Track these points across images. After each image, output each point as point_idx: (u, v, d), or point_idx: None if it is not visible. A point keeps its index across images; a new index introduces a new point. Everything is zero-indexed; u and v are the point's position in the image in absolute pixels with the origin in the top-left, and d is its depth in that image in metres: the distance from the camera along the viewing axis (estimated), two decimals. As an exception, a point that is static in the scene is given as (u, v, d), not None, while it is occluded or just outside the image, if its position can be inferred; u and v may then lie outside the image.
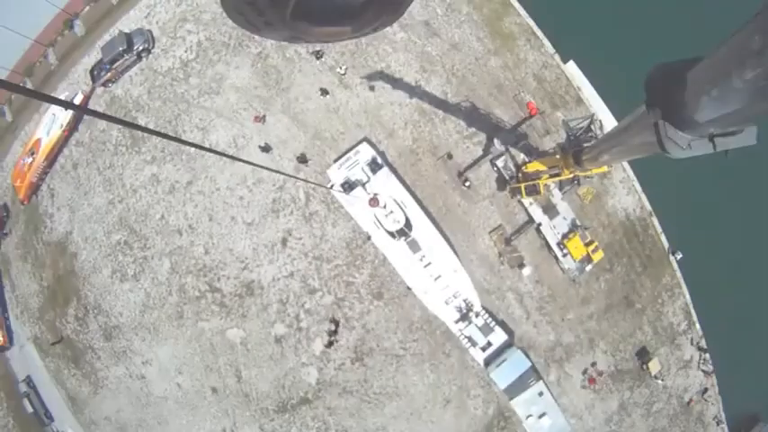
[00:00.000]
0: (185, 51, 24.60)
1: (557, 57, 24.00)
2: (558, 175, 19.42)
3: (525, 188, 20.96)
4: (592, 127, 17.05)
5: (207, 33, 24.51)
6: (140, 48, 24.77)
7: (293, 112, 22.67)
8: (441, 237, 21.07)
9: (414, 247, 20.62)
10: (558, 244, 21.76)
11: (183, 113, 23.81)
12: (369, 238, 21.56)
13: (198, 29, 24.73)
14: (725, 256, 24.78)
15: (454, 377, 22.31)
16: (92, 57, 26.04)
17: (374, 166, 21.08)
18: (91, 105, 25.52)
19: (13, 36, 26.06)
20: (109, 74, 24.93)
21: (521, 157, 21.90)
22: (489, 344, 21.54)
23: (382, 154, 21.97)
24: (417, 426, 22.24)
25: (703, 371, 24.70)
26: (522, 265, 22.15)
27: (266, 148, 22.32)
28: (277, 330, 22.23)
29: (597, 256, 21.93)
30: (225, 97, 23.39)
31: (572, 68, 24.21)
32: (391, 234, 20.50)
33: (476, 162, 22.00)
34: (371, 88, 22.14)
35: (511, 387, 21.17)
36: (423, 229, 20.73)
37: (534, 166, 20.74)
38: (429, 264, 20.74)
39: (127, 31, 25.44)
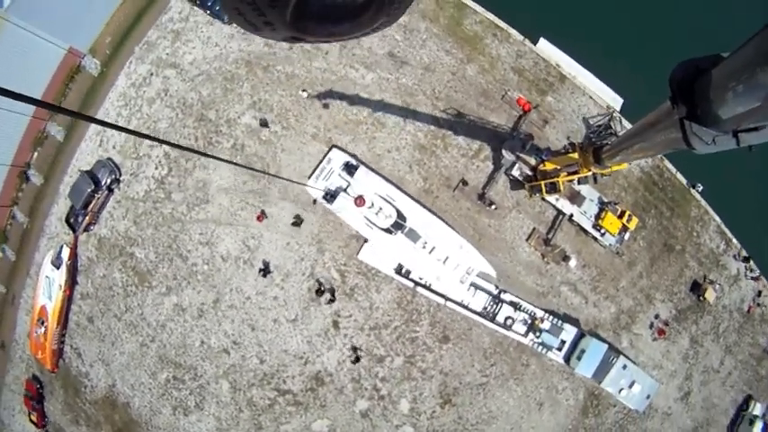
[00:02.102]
0: (156, 169, 22.91)
1: (527, 42, 23.24)
2: (575, 172, 19.22)
3: (545, 186, 20.75)
4: (611, 124, 16.68)
5: (168, 149, 22.77)
6: (108, 181, 22.99)
7: (293, 196, 21.57)
8: (436, 218, 20.73)
9: (413, 236, 20.22)
10: (594, 226, 21.85)
11: (181, 233, 22.41)
12: (366, 241, 20.91)
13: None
14: (740, 168, 25.41)
15: (539, 382, 22.77)
16: (61, 204, 24.17)
17: (350, 169, 20.52)
18: (80, 253, 23.87)
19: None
20: (87, 218, 23.17)
21: (532, 158, 21.49)
22: (563, 342, 21.96)
23: (354, 156, 21.19)
24: (521, 436, 22.84)
25: (752, 278, 25.93)
26: (566, 258, 22.26)
27: (266, 267, 21.52)
28: (360, 407, 22.07)
29: (633, 224, 22.16)
30: (217, 203, 22.04)
31: (544, 47, 23.55)
32: (387, 230, 20.04)
33: (491, 178, 21.55)
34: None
35: (597, 373, 21.80)
36: (416, 216, 20.31)
37: (552, 164, 20.42)
38: (433, 248, 20.34)
39: (87, 167, 23.52)
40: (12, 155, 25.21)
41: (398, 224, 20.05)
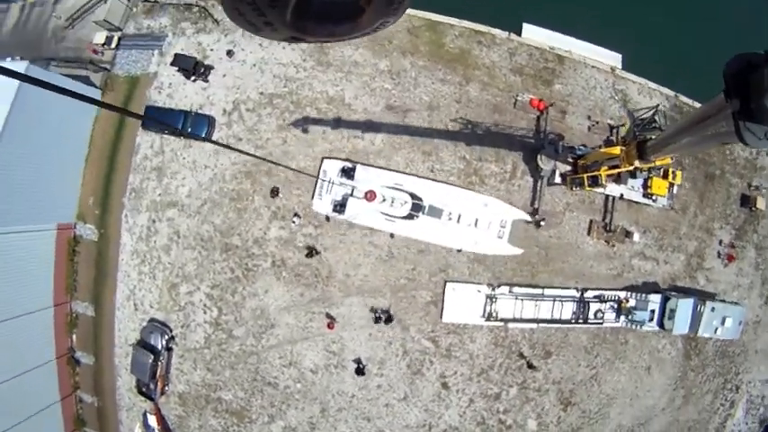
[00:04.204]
0: (204, 313, 21.95)
1: (513, 36, 21.87)
2: (617, 166, 18.74)
3: (588, 180, 20.31)
4: (656, 117, 16.03)
5: (208, 283, 21.70)
6: (163, 343, 22.08)
7: (356, 289, 20.93)
8: (450, 186, 20.46)
9: (435, 212, 20.01)
10: (645, 196, 21.68)
11: (260, 364, 21.86)
12: (392, 236, 20.76)
13: (196, 285, 21.84)
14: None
15: (640, 351, 23.52)
16: (124, 376, 23.51)
17: (348, 173, 20.15)
18: (166, 414, 23.38)
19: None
20: (159, 384, 22.47)
21: (568, 158, 20.84)
22: (652, 312, 22.41)
23: (347, 159, 20.73)
24: (643, 402, 23.89)
25: None
26: (629, 234, 22.27)
27: (359, 364, 21.22)
28: (492, 442, 22.82)
29: (678, 178, 22.02)
30: (283, 324, 21.36)
31: (530, 33, 22.29)
32: (409, 217, 19.85)
33: (536, 194, 20.98)
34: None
35: (691, 326, 22.46)
36: (430, 191, 20.06)
37: (593, 158, 19.83)
38: (459, 215, 20.07)
39: (135, 336, 22.55)
40: (52, 349, 24.01)
41: (417, 206, 19.76)
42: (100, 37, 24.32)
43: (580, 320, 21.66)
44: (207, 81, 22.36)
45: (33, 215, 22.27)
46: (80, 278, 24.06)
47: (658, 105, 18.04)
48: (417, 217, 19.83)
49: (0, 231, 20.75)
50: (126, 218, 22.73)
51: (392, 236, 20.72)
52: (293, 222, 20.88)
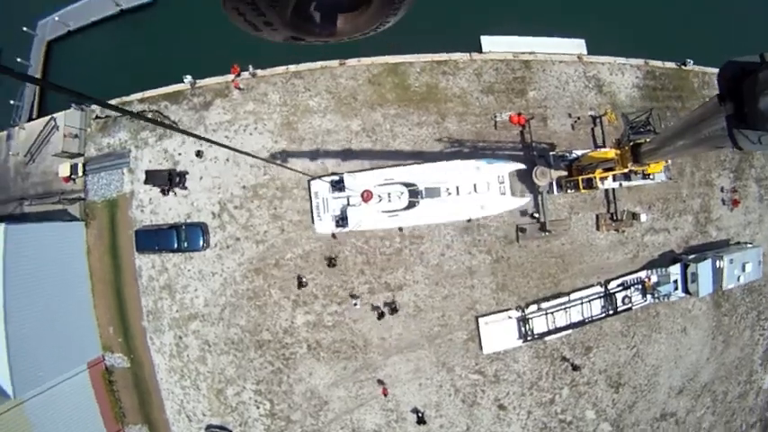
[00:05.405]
0: (257, 408, 22.37)
1: (474, 55, 21.29)
2: (611, 169, 18.72)
3: (582, 183, 20.36)
4: (650, 120, 15.96)
5: (252, 381, 22.02)
6: (226, 447, 22.65)
7: (394, 349, 21.31)
8: (437, 163, 20.51)
9: (433, 192, 20.16)
10: (644, 177, 21.73)
11: (325, 438, 22.58)
12: (400, 230, 21.06)
13: (241, 385, 22.17)
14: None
15: (673, 317, 24.24)
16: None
17: (338, 185, 20.27)
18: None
19: None
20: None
21: (562, 166, 20.75)
22: (675, 282, 22.99)
23: (332, 173, 20.85)
24: (687, 360, 24.77)
25: None
26: (635, 216, 22.48)
27: (418, 414, 21.69)
28: (558, 441, 23.91)
29: (671, 149, 21.97)
30: (335, 398, 21.84)
31: (490, 45, 21.72)
32: (410, 206, 20.02)
33: (539, 209, 21.01)
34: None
35: (715, 283, 23.12)
36: (420, 174, 20.18)
37: (588, 159, 19.77)
38: (457, 187, 20.13)
39: (199, 452, 23.06)
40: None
41: (414, 192, 19.94)
42: (64, 169, 23.56)
43: (610, 312, 22.21)
44: (186, 188, 21.89)
45: (61, 363, 22.34)
46: (125, 405, 24.33)
47: (652, 109, 17.85)
48: (418, 203, 19.93)
49: (39, 393, 20.99)
50: (151, 340, 22.81)
51: (401, 229, 20.76)
52: (355, 305, 20.87)
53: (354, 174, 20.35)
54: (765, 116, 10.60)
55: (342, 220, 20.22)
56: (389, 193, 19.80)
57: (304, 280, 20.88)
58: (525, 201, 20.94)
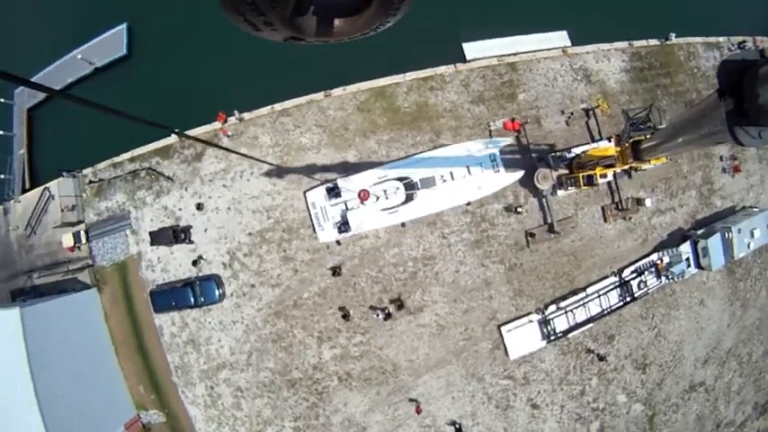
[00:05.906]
0: (298, 444, 22.81)
1: (459, 66, 21.06)
2: (612, 165, 18.71)
3: (583, 179, 20.36)
4: (650, 117, 15.91)
5: (290, 419, 22.34)
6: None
7: (423, 368, 21.59)
8: (427, 152, 20.59)
9: (428, 183, 20.32)
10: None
11: (367, 462, 23.04)
12: (403, 225, 21.04)
13: (279, 424, 22.51)
14: None
15: (690, 292, 24.51)
16: None
17: (334, 192, 20.38)
18: None
19: None
20: None
21: (563, 166, 20.73)
22: (687, 260, 23.18)
23: (324, 181, 20.92)
24: (708, 330, 25.14)
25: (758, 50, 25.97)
26: (640, 201, 22.54)
27: (455, 426, 22.15)
28: (594, 428, 24.37)
29: (667, 130, 21.91)
30: (373, 422, 22.14)
31: (473, 51, 21.49)
32: (408, 199, 20.13)
33: (545, 212, 21.06)
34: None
35: (727, 255, 23.30)
36: (414, 166, 20.30)
37: (588, 157, 19.75)
38: (450, 173, 20.17)
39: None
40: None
41: (409, 185, 20.08)
42: (68, 239, 23.50)
43: (628, 300, 22.46)
44: (192, 242, 21.87)
45: (99, 430, 22.66)
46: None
47: (652, 105, 17.71)
48: (415, 195, 20.01)
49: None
50: (184, 393, 23.07)
51: (403, 225, 20.79)
52: (377, 317, 20.95)
53: (348, 177, 20.21)
54: (766, 111, 10.60)
55: (343, 225, 20.17)
56: (385, 190, 19.77)
57: (351, 312, 20.96)
58: (521, 174, 20.64)
